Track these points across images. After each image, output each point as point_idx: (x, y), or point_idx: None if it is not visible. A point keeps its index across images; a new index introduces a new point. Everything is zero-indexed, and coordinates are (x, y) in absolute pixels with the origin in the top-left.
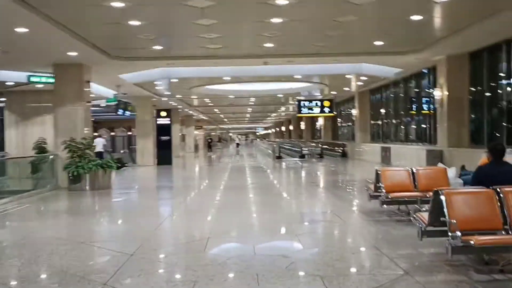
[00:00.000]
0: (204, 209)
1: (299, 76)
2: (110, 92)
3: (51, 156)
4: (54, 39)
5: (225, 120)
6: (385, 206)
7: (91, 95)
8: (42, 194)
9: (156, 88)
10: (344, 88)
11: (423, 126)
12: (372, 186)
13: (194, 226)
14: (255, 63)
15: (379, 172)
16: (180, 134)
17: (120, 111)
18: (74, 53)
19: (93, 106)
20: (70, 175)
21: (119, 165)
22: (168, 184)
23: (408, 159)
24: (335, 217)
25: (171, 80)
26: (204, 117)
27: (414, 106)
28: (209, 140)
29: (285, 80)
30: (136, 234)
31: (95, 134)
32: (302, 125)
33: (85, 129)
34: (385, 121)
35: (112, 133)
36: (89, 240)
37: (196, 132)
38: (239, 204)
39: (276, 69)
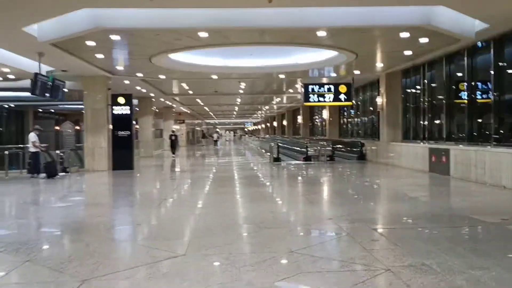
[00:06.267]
0: None
1: (323, 34)
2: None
3: None
4: None
5: (211, 114)
6: None
7: (6, 70)
8: None
9: (95, 54)
10: (377, 64)
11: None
12: None
13: None
14: (252, 3)
15: None
16: (153, 128)
17: (45, 95)
18: None
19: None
20: None
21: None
22: (99, 215)
23: (491, 170)
24: None
25: (110, 37)
26: (186, 110)
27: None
28: (173, 137)
29: (297, 41)
30: None
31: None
32: (299, 119)
33: None
34: (429, 115)
35: (77, 127)
36: None
37: (176, 126)
38: None
39: (286, 16)
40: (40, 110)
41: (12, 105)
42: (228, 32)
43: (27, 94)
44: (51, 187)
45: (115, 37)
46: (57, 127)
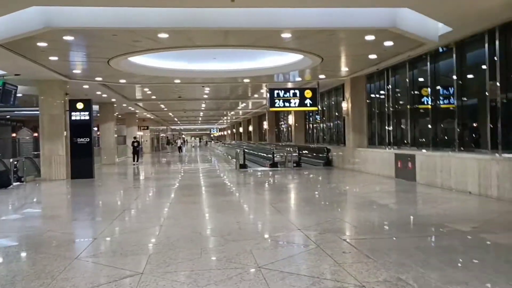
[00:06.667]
0: None
1: (288, 35)
2: None
3: None
4: None
5: (176, 120)
6: None
7: None
8: None
9: (49, 57)
10: (343, 68)
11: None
12: None
13: None
14: (214, 2)
15: None
16: (116, 135)
17: None
18: None
19: None
20: None
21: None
22: (52, 228)
23: (456, 175)
24: None
25: (64, 37)
26: (150, 116)
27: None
28: (135, 144)
29: (262, 43)
30: None
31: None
32: (265, 125)
33: None
34: (394, 120)
35: (35, 134)
36: None
37: (139, 133)
38: None
39: (250, 16)
40: None
41: None
42: (190, 34)
43: None
44: (2, 198)
45: (68, 38)
46: (13, 134)
